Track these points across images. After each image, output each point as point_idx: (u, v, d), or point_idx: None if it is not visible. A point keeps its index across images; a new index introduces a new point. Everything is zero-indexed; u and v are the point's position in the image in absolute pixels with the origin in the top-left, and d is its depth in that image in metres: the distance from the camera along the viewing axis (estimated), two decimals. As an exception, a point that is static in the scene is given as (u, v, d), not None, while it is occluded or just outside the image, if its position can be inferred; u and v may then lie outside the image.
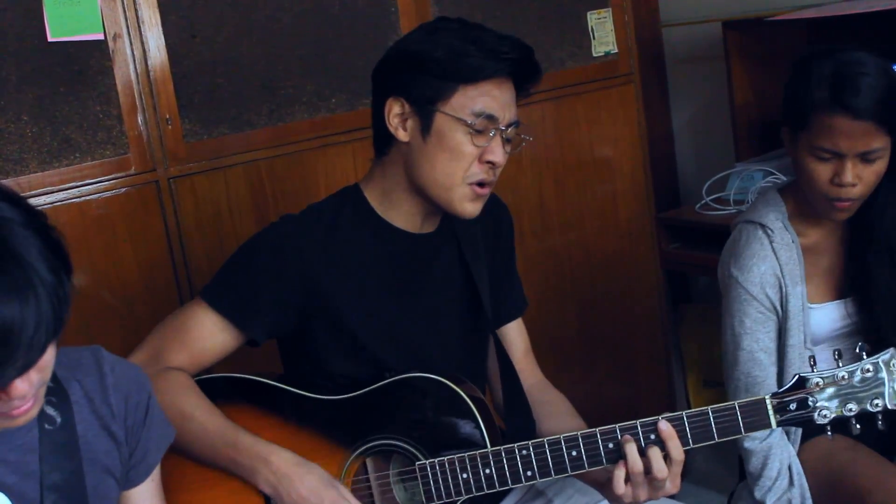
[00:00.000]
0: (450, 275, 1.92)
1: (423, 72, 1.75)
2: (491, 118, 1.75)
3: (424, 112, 1.76)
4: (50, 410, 1.37)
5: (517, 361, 2.02)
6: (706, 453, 3.42)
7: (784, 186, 2.11)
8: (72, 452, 1.38)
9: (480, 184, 1.78)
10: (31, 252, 1.15)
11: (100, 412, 1.43)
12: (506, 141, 1.78)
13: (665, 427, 1.64)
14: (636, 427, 1.66)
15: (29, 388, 1.21)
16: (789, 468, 2.03)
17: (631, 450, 1.64)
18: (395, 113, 1.78)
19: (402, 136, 1.78)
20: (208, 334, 1.81)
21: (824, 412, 1.63)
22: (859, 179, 1.90)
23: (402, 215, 1.85)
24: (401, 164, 1.81)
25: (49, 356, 1.23)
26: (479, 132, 1.75)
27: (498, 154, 1.76)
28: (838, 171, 1.89)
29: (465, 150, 1.75)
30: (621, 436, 1.66)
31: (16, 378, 1.18)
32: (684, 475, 3.37)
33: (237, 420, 1.76)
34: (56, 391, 1.38)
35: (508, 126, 1.77)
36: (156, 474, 1.56)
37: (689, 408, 3.42)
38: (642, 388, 3.25)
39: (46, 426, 1.36)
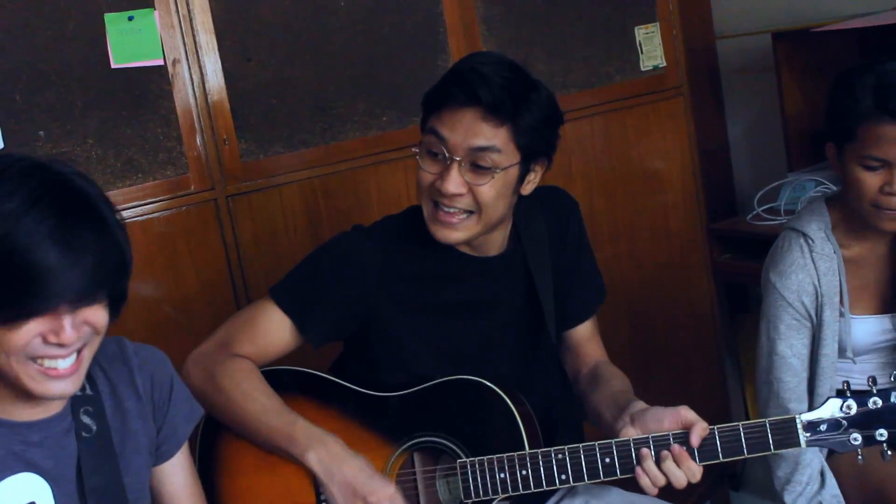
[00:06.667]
0: (513, 295, 1.96)
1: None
2: (437, 135, 1.77)
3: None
4: (87, 419, 1.48)
5: (580, 347, 2.08)
6: (761, 463, 3.41)
7: (832, 197, 2.11)
8: (109, 456, 1.49)
9: (437, 205, 1.80)
10: (107, 210, 1.39)
11: (126, 395, 1.54)
12: (474, 167, 1.77)
13: (676, 450, 1.69)
14: (668, 438, 1.70)
15: (75, 336, 1.34)
16: (821, 473, 2.04)
17: (649, 466, 1.69)
18: None
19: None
20: (274, 329, 1.90)
21: (855, 436, 1.64)
22: None
23: None
24: None
25: (100, 317, 1.37)
26: (434, 155, 1.79)
27: (447, 183, 1.77)
28: (888, 181, 1.89)
29: (421, 174, 1.81)
30: (640, 449, 1.70)
31: (68, 310, 1.32)
32: (740, 486, 3.38)
33: (293, 409, 1.84)
34: (92, 400, 1.50)
35: (470, 152, 1.76)
36: (185, 448, 1.67)
37: (748, 417, 3.43)
38: (696, 399, 3.19)
39: (84, 434, 1.47)
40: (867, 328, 2.06)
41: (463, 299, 1.92)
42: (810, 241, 2.02)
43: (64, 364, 1.37)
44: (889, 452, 1.65)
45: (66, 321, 1.33)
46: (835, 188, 2.88)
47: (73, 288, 1.31)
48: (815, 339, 2.05)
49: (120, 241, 1.38)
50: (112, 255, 1.36)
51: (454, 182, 1.76)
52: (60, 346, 1.34)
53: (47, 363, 1.36)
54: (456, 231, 1.82)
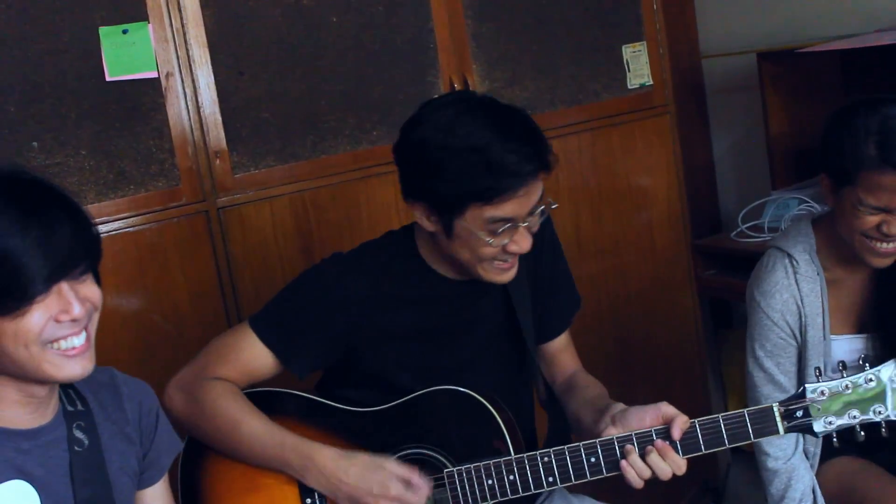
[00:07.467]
0: (494, 314, 1.97)
1: (437, 184, 1.75)
2: (508, 221, 1.76)
3: (444, 219, 1.79)
4: (79, 434, 1.52)
5: (555, 358, 2.09)
6: (743, 477, 3.45)
7: (817, 218, 2.11)
8: (100, 469, 1.53)
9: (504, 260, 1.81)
10: (63, 190, 1.44)
11: (114, 418, 1.58)
12: (535, 215, 1.79)
13: (660, 445, 1.72)
14: (651, 434, 1.73)
15: (83, 312, 1.40)
16: (812, 491, 2.07)
17: (634, 460, 1.72)
18: (419, 211, 1.82)
19: (428, 227, 1.83)
20: (255, 357, 1.89)
21: (829, 419, 1.69)
22: None
23: (446, 264, 1.90)
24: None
25: (94, 291, 1.43)
26: (499, 233, 1.77)
27: (522, 244, 1.79)
28: (885, 220, 1.89)
29: (484, 251, 1.78)
30: (624, 445, 1.73)
31: (67, 287, 1.38)
32: (721, 498, 3.41)
33: None
34: (84, 415, 1.53)
35: (534, 208, 1.77)
36: (166, 478, 1.71)
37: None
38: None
39: (76, 448, 1.51)
40: (843, 347, 2.08)
41: (445, 323, 1.93)
42: (795, 263, 2.04)
43: (79, 341, 1.41)
44: (862, 433, 1.70)
45: (70, 296, 1.38)
46: (818, 206, 2.92)
47: (56, 259, 1.36)
48: (801, 358, 2.08)
49: (83, 210, 1.43)
50: (84, 222, 1.41)
51: (530, 241, 1.79)
52: (73, 321, 1.39)
53: (64, 344, 1.40)
54: (512, 269, 1.84)
